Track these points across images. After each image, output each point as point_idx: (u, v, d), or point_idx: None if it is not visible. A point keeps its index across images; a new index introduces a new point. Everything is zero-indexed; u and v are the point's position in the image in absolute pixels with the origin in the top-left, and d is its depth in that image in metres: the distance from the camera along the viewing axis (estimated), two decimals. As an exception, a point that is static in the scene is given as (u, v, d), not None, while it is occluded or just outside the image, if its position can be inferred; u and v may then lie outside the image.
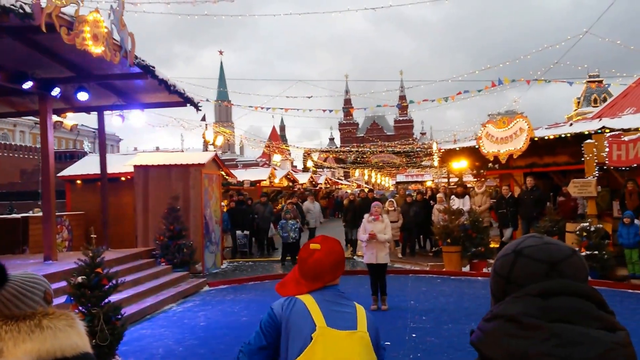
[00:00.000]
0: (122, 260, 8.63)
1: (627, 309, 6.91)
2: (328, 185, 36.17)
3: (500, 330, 0.87)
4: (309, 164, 37.65)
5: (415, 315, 6.87)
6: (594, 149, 9.13)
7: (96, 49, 6.29)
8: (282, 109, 16.40)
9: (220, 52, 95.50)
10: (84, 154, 26.10)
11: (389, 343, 5.37)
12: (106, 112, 10.52)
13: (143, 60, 7.67)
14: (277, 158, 31.80)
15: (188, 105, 9.96)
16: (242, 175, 19.60)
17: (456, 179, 14.59)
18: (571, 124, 12.06)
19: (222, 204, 12.80)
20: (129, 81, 8.88)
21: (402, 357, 5.17)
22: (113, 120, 10.44)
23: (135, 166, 11.06)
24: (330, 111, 16.81)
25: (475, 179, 13.17)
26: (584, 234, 8.59)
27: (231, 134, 31.70)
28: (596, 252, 8.40)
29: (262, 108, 15.90)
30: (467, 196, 11.78)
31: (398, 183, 37.01)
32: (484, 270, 9.73)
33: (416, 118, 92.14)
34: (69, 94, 8.52)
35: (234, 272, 11.10)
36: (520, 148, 10.96)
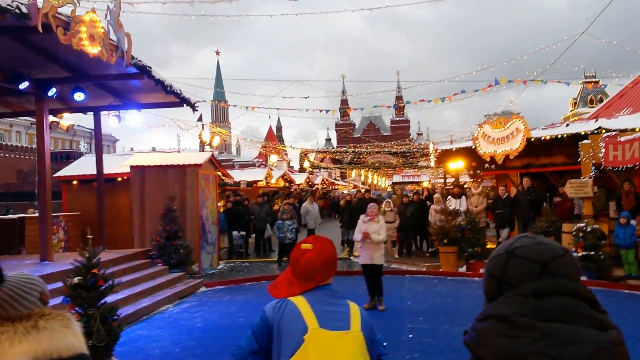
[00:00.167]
0: (119, 261, 8.60)
1: (623, 309, 6.94)
2: (325, 186, 36.17)
3: (493, 331, 0.87)
4: (306, 164, 37.65)
5: (412, 315, 6.87)
6: (591, 150, 9.18)
7: (93, 49, 6.28)
8: (278, 109, 16.41)
9: (217, 53, 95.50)
10: (80, 154, 26.01)
11: (386, 343, 5.36)
12: (102, 113, 10.48)
13: (140, 61, 7.65)
14: (273, 158, 31.81)
15: (184, 105, 9.95)
16: (239, 175, 19.58)
17: (453, 180, 14.61)
18: (567, 125, 12.11)
19: (219, 204, 12.78)
20: (126, 81, 8.85)
21: (399, 357, 5.18)
22: (109, 121, 10.41)
23: (131, 167, 11.02)
24: (327, 111, 16.82)
25: (472, 180, 13.21)
26: (581, 234, 8.62)
27: (228, 135, 31.67)
28: (592, 252, 8.43)
29: (258, 108, 15.90)
30: (463, 197, 11.81)
31: (395, 184, 37.05)
32: (481, 270, 9.76)
33: (413, 118, 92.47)
34: (65, 94, 8.49)
35: (231, 273, 11.08)
36: (516, 148, 10.99)
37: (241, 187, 18.12)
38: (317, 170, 41.84)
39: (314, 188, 30.03)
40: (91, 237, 5.37)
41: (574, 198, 9.76)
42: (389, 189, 35.35)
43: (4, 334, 1.16)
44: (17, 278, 1.34)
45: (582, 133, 9.83)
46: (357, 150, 40.79)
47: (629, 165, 8.64)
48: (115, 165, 11.89)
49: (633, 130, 9.16)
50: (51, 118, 9.85)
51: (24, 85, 7.37)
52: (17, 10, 5.31)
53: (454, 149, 13.70)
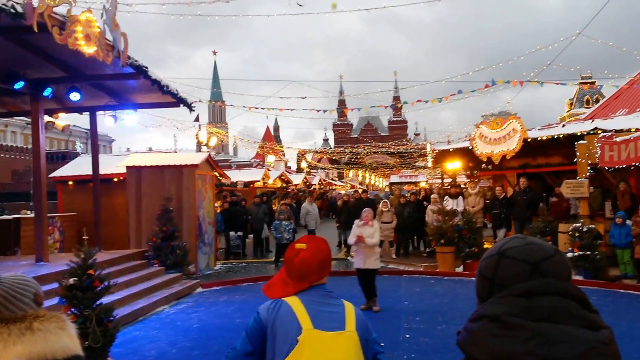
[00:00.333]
0: (115, 261, 8.56)
1: (619, 308, 6.96)
2: (322, 186, 36.17)
3: (485, 331, 0.88)
4: (303, 164, 37.65)
5: (409, 316, 6.88)
6: (587, 150, 9.21)
7: (88, 49, 6.25)
8: (275, 109, 16.39)
9: (214, 53, 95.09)
10: (76, 154, 25.87)
11: (383, 344, 5.37)
12: (98, 113, 10.44)
13: (136, 61, 7.62)
14: (271, 159, 31.78)
15: (181, 105, 9.92)
16: (236, 176, 19.56)
17: (450, 180, 14.64)
18: (564, 125, 12.17)
19: (216, 205, 12.76)
20: (122, 81, 8.82)
21: (396, 358, 5.18)
22: (105, 121, 10.37)
23: (127, 167, 10.99)
24: (325, 111, 16.80)
25: (469, 180, 13.23)
26: (577, 234, 8.65)
27: (225, 135, 31.61)
28: (588, 252, 8.47)
29: (256, 108, 15.88)
30: (460, 197, 11.83)
31: (392, 184, 37.12)
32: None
33: (410, 119, 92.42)
34: (61, 94, 8.45)
35: (228, 274, 11.05)
36: (513, 149, 11.02)
37: (238, 188, 18.09)
38: (315, 170, 41.85)
39: (312, 188, 30.02)
40: (87, 237, 5.35)
41: (570, 198, 9.79)
42: (387, 189, 35.41)
43: None
44: (11, 279, 1.33)
45: (579, 133, 9.87)
46: (354, 150, 40.82)
47: (624, 166, 8.68)
48: (112, 165, 11.85)
49: (629, 130, 9.20)
50: (47, 118, 9.81)
51: (19, 85, 7.33)
52: (13, 10, 5.28)
53: (451, 150, 13.73)
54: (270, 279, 1.87)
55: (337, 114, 78.74)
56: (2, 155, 37.03)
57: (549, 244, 0.96)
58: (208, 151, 17.76)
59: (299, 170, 37.28)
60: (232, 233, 13.50)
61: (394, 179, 39.98)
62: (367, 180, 52.09)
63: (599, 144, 8.96)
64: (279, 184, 24.27)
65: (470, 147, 12.07)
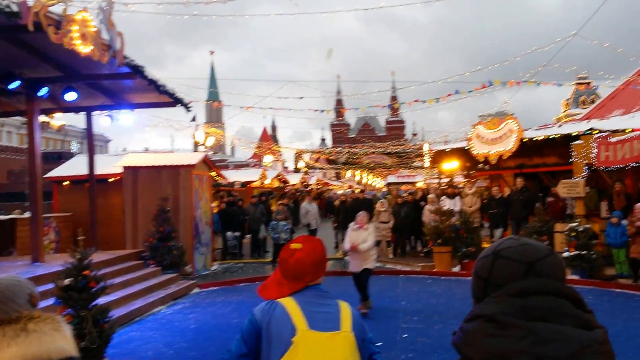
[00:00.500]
0: (111, 262, 8.53)
1: (615, 308, 7.00)
2: (319, 186, 36.17)
3: (480, 330, 0.88)
4: (301, 164, 37.66)
5: (407, 315, 6.88)
6: (583, 150, 9.25)
7: (84, 49, 6.22)
8: (272, 108, 16.38)
9: (211, 52, 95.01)
10: (72, 154, 25.79)
11: (380, 343, 5.37)
12: (94, 113, 10.40)
13: (132, 60, 7.59)
14: (268, 159, 31.76)
15: (178, 105, 9.89)
16: (233, 176, 19.53)
17: (447, 180, 14.67)
18: (560, 125, 12.22)
19: (213, 205, 12.73)
20: (118, 81, 8.78)
21: (393, 357, 5.18)
22: (101, 121, 10.33)
23: (124, 167, 10.95)
24: (322, 111, 16.81)
25: (466, 180, 13.27)
26: (573, 234, 8.68)
27: (222, 135, 31.57)
28: (584, 252, 8.50)
29: (253, 108, 15.87)
30: (457, 197, 11.86)
31: (389, 184, 37.16)
32: (474, 270, 9.80)
33: (408, 119, 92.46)
34: (57, 94, 8.41)
35: (225, 274, 11.03)
36: (510, 149, 11.06)
37: (235, 188, 18.07)
38: (312, 170, 41.86)
39: (309, 188, 30.03)
40: (82, 238, 5.33)
41: (566, 198, 9.83)
42: (384, 189, 35.45)
43: None
44: (5, 281, 1.33)
45: (575, 134, 9.91)
46: (352, 150, 40.83)
47: (620, 166, 8.72)
48: (108, 165, 11.81)
49: (624, 131, 9.25)
50: (42, 118, 9.77)
51: (14, 84, 7.29)
52: (7, 9, 5.26)
53: (448, 150, 13.76)
54: (265, 280, 1.86)
55: (335, 114, 78.77)
56: (-3, 155, 36.82)
57: (544, 245, 0.97)
58: (205, 151, 17.74)
59: (297, 170, 37.30)
60: (229, 233, 13.48)
61: (392, 179, 40.01)
62: (364, 180, 52.15)
63: (595, 144, 9.00)
64: (276, 184, 24.25)
65: (467, 147, 12.10)
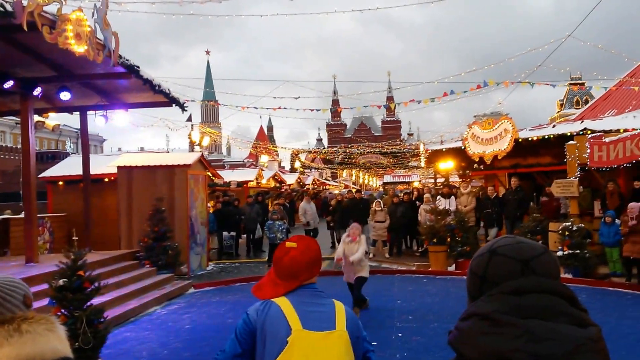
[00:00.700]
0: (105, 262, 8.50)
1: (607, 306, 7.05)
2: (315, 186, 36.19)
3: (476, 329, 0.88)
4: (297, 164, 37.65)
5: (402, 314, 6.91)
6: (576, 150, 9.31)
7: (79, 48, 6.20)
8: (268, 108, 16.38)
9: (207, 52, 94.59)
10: (66, 154, 25.66)
11: (375, 343, 5.39)
12: (89, 112, 10.36)
13: (127, 60, 7.57)
14: (264, 159, 31.74)
15: (173, 105, 9.87)
16: (229, 176, 19.50)
17: (443, 180, 14.73)
18: (554, 126, 12.29)
19: (209, 205, 12.71)
20: (113, 81, 8.76)
21: (388, 356, 5.20)
22: (96, 121, 10.29)
23: (119, 167, 10.91)
24: (318, 110, 16.82)
25: (461, 180, 13.33)
26: (567, 233, 8.74)
27: (218, 135, 31.51)
28: (578, 251, 8.56)
29: (249, 108, 15.85)
30: (452, 196, 11.91)
31: (385, 184, 37.25)
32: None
33: (404, 119, 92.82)
34: (51, 93, 8.37)
35: (220, 274, 11.02)
36: (504, 149, 11.12)
37: (231, 188, 18.05)
38: (308, 170, 41.86)
39: (305, 188, 30.03)
40: (77, 238, 5.31)
41: (560, 197, 9.90)
42: (380, 189, 35.53)
43: None
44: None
45: (568, 134, 9.98)
46: (348, 150, 40.89)
47: (613, 166, 8.79)
48: (103, 165, 11.76)
49: (617, 131, 9.32)
50: (36, 118, 9.70)
51: (8, 84, 7.25)
52: (2, 9, 5.23)
53: (443, 150, 13.82)
54: (260, 280, 1.86)
55: (331, 114, 78.81)
56: (-9, 155, 36.55)
57: (538, 243, 0.98)
58: (201, 151, 17.70)
59: (293, 170, 37.29)
60: (225, 233, 13.46)
61: (388, 178, 40.12)
62: (360, 180, 52.20)
63: (589, 145, 9.06)
64: (272, 183, 24.24)
65: (462, 147, 12.16)
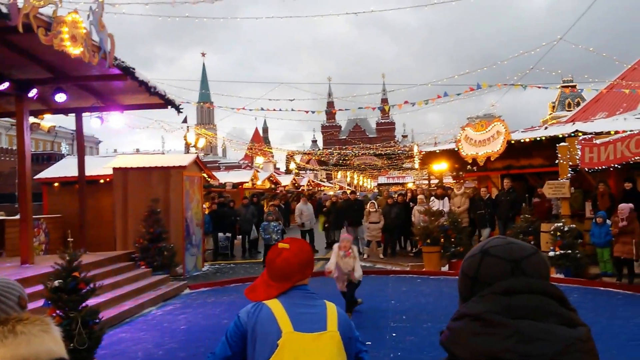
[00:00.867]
0: (101, 263, 8.51)
1: (598, 306, 7.13)
2: (310, 187, 36.23)
3: (467, 329, 0.90)
4: (292, 166, 37.68)
5: (396, 314, 6.96)
6: (568, 152, 9.42)
7: (74, 50, 6.23)
8: (264, 109, 16.43)
9: (203, 54, 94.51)
10: (62, 156, 25.56)
11: (370, 342, 5.45)
12: (85, 114, 10.37)
13: (123, 62, 7.60)
14: (259, 160, 31.75)
15: (169, 107, 9.90)
16: (225, 177, 19.52)
17: (437, 181, 14.83)
18: (546, 128, 12.42)
19: (204, 206, 12.73)
20: (108, 83, 8.78)
21: (382, 356, 5.25)
22: (92, 122, 10.30)
23: (114, 168, 10.91)
24: (313, 112, 16.91)
25: (455, 181, 13.43)
26: (558, 233, 8.84)
27: (213, 136, 31.49)
28: (569, 251, 8.66)
29: (244, 109, 15.89)
30: (446, 197, 12.00)
31: (380, 185, 37.34)
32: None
33: (398, 121, 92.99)
34: (47, 95, 8.39)
35: (215, 275, 11.04)
36: (497, 151, 11.22)
37: (227, 189, 18.06)
38: (304, 171, 41.90)
39: (300, 189, 30.07)
40: (72, 239, 5.33)
41: (552, 198, 10.00)
42: (375, 190, 35.61)
43: None
44: None
45: (560, 136, 10.09)
46: (342, 152, 40.96)
47: (603, 167, 8.90)
48: (98, 166, 11.76)
49: (608, 133, 9.45)
50: (32, 119, 9.71)
51: (4, 85, 7.27)
52: (-3, 11, 5.26)
53: (437, 151, 13.91)
54: (253, 282, 1.85)
55: (326, 116, 78.92)
56: (-15, 156, 36.26)
57: (528, 244, 0.99)
58: (196, 152, 17.70)
59: (288, 171, 37.31)
60: (220, 234, 13.48)
61: (382, 180, 40.19)
62: (355, 182, 52.30)
63: (580, 146, 9.17)
64: (267, 185, 24.26)
65: (456, 149, 12.26)
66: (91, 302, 5.21)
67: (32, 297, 5.18)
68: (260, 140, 65.54)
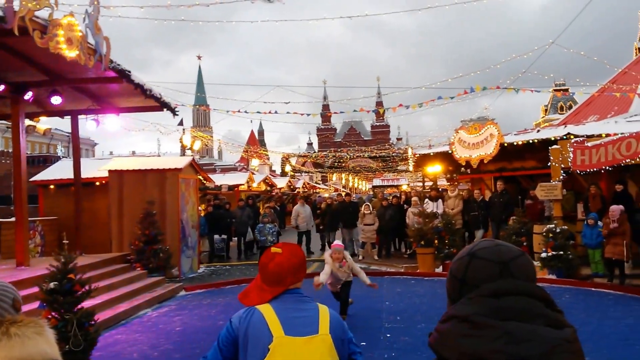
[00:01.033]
0: (96, 265, 8.52)
1: (590, 307, 7.19)
2: (306, 190, 36.26)
3: (455, 331, 0.90)
4: (287, 168, 37.72)
5: (390, 315, 7.01)
6: (560, 155, 9.53)
7: (70, 53, 6.26)
8: (259, 112, 16.48)
9: (199, 57, 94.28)
10: (58, 158, 25.44)
11: (364, 343, 5.50)
12: (80, 116, 10.38)
13: (118, 65, 7.63)
14: (255, 162, 31.78)
15: (165, 109, 9.93)
16: (220, 179, 19.53)
17: (431, 183, 14.94)
18: (538, 131, 12.56)
19: (200, 208, 12.75)
20: (104, 85, 8.80)
21: (377, 356, 5.29)
22: (88, 125, 10.31)
23: (110, 171, 10.92)
24: (308, 115, 16.97)
25: (449, 183, 13.54)
26: (550, 235, 8.94)
27: (209, 139, 31.48)
28: (561, 252, 8.75)
29: (239, 112, 15.94)
30: (440, 199, 12.09)
31: (375, 187, 37.45)
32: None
33: (392, 124, 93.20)
34: (42, 97, 8.40)
35: (211, 277, 11.06)
36: (490, 153, 11.32)
37: (223, 191, 18.08)
38: (299, 174, 41.95)
39: (296, 192, 30.10)
40: (67, 241, 5.35)
41: (544, 200, 10.11)
42: (370, 193, 35.72)
43: None
44: None
45: (552, 139, 10.20)
46: (338, 154, 41.06)
47: (595, 169, 9.01)
48: (94, 169, 11.76)
49: (600, 136, 9.58)
50: (28, 122, 9.71)
51: (-1, 88, 7.27)
52: (-7, 14, 5.28)
53: (431, 154, 14.00)
54: (246, 287, 1.86)
55: (321, 118, 78.98)
56: (-21, 159, 36.02)
57: (515, 247, 1.01)
58: (192, 155, 17.71)
59: (283, 173, 37.35)
60: (216, 236, 13.49)
61: (377, 182, 40.32)
62: (350, 184, 52.40)
63: (572, 149, 9.28)
64: (263, 187, 24.28)
65: (449, 152, 12.35)
66: (86, 304, 5.23)
67: (28, 299, 5.20)
68: (256, 142, 65.51)
